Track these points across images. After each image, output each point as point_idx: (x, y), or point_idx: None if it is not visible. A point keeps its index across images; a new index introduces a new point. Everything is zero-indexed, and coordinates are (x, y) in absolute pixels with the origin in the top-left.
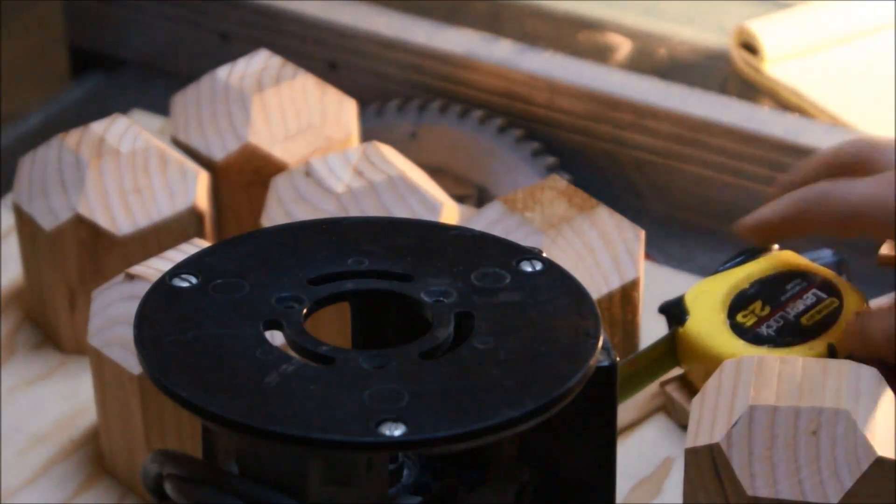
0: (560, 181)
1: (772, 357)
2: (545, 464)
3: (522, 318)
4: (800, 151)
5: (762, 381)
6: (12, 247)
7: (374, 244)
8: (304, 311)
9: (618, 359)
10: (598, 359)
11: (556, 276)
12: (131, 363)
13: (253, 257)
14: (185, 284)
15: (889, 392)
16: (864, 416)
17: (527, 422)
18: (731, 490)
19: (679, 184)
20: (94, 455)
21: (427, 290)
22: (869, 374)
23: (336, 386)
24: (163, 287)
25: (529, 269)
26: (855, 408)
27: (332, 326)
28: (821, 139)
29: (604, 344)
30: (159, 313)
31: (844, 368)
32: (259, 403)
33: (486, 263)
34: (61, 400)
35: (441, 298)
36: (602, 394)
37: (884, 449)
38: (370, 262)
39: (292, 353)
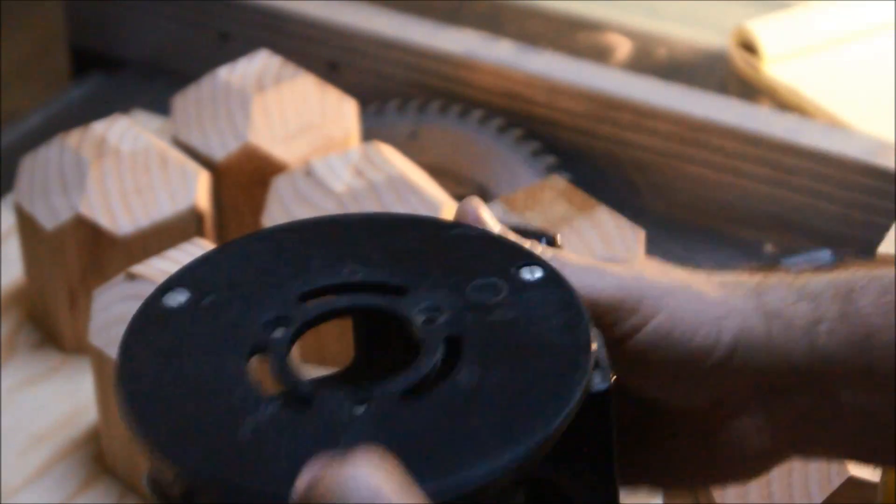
0: (560, 181)
1: None
2: (541, 485)
3: (513, 342)
4: (799, 151)
5: None
6: (13, 247)
7: (372, 248)
8: (292, 335)
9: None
10: (594, 382)
11: (554, 289)
12: None
13: (247, 266)
14: (175, 304)
15: None
16: None
17: (504, 476)
18: (702, 497)
19: (679, 184)
20: (94, 455)
21: (419, 306)
22: None
23: (311, 436)
24: (152, 309)
25: (528, 277)
26: None
27: (338, 334)
28: (820, 139)
29: (600, 363)
30: (145, 342)
31: None
32: (231, 458)
33: (484, 270)
34: (62, 400)
35: (433, 314)
36: (597, 419)
37: (858, 468)
38: (366, 271)
39: (272, 387)
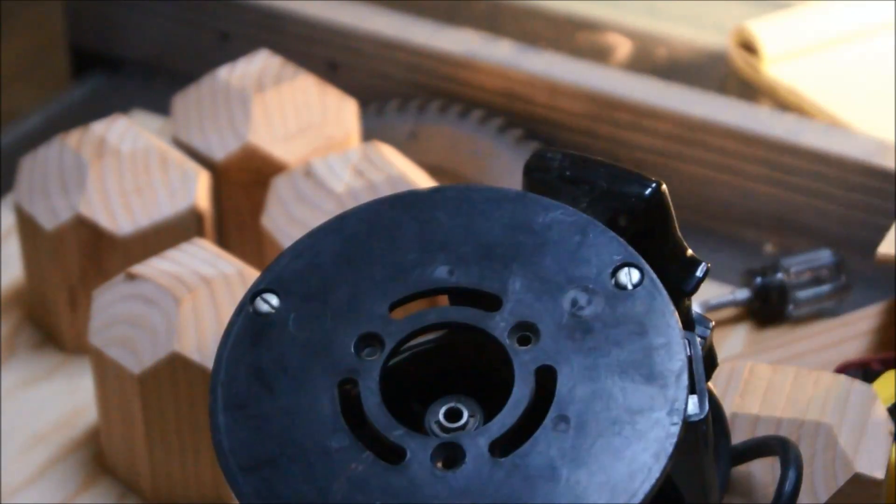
0: None
1: (763, 366)
2: None
3: (605, 389)
4: (799, 151)
5: (749, 389)
6: (13, 247)
7: (462, 237)
8: (382, 362)
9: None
10: (688, 410)
11: (649, 300)
12: (131, 363)
13: (338, 260)
14: (266, 309)
15: (883, 412)
16: (849, 432)
17: None
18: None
19: (679, 184)
20: (94, 455)
21: (513, 321)
22: (862, 390)
23: (403, 496)
24: (245, 315)
25: (625, 281)
26: (839, 423)
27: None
28: (820, 139)
29: (696, 385)
30: (240, 356)
31: (836, 383)
32: None
33: (579, 276)
34: (61, 400)
35: (526, 334)
36: (699, 439)
37: (865, 466)
38: (458, 272)
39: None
